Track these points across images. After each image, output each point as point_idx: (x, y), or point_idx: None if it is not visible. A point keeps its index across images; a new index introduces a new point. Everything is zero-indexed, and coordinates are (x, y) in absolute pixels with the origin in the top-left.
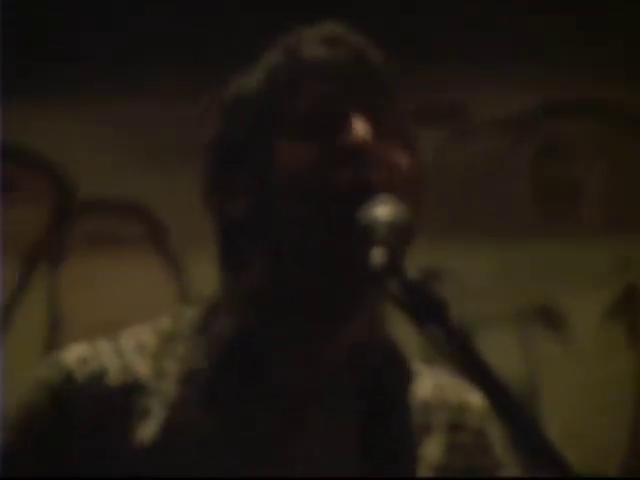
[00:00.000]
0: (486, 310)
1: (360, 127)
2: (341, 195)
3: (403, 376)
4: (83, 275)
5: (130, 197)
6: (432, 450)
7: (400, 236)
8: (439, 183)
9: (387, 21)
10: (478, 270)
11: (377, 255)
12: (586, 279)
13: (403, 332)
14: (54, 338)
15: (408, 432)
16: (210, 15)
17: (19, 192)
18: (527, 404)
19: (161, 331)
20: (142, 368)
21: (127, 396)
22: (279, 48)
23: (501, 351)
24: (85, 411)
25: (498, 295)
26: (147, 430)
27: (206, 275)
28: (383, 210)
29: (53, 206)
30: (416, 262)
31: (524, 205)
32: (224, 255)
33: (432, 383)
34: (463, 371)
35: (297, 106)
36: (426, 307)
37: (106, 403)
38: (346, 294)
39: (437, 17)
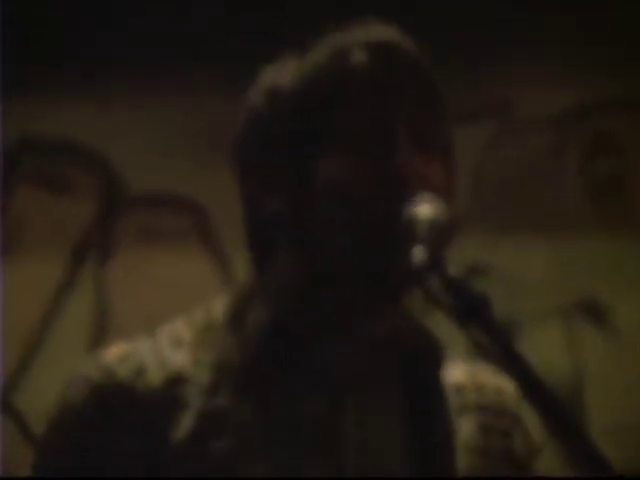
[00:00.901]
0: (535, 306)
1: (408, 150)
2: (381, 204)
3: (436, 360)
4: (131, 270)
5: (178, 191)
6: (468, 431)
7: (440, 234)
8: (489, 180)
9: (422, 20)
10: (527, 267)
11: (418, 253)
12: (633, 275)
13: (448, 332)
14: (101, 333)
15: (444, 412)
16: (241, 10)
17: (68, 187)
18: (573, 399)
19: (195, 322)
20: (179, 361)
21: (167, 390)
22: (326, 47)
23: (548, 347)
24: (126, 408)
25: (547, 291)
26: (185, 420)
27: None
28: (424, 208)
29: (101, 201)
30: (466, 259)
31: (573, 201)
32: (255, 246)
33: (466, 368)
34: (504, 369)
35: (345, 117)
36: (467, 304)
37: (147, 399)
38: (384, 293)
39: (483, 17)
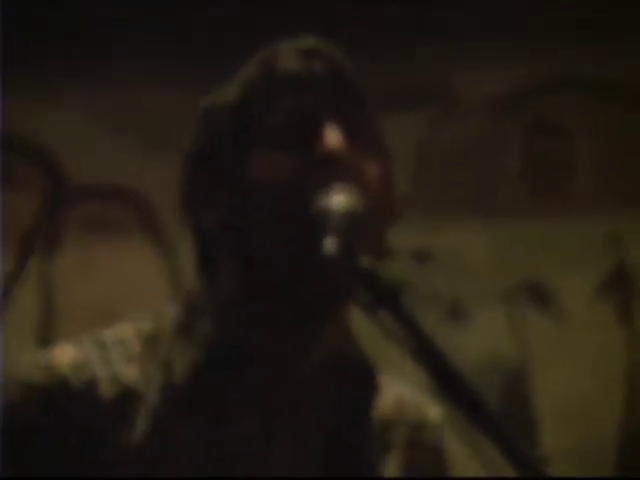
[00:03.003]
0: (477, 288)
1: (333, 136)
2: (307, 193)
3: (369, 393)
4: (77, 262)
5: (123, 183)
6: (391, 467)
7: (354, 224)
8: (428, 163)
9: (373, 3)
10: (469, 249)
11: (329, 244)
12: (576, 256)
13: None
14: (49, 324)
15: (368, 449)
16: (212, 7)
17: (12, 180)
18: (519, 381)
19: (143, 333)
20: (130, 376)
21: (118, 406)
22: (255, 61)
23: (493, 330)
24: (78, 419)
25: (489, 273)
26: (134, 437)
27: None
28: (337, 198)
29: (46, 193)
30: (406, 242)
31: (514, 183)
32: (199, 259)
33: (393, 399)
34: (415, 357)
35: (271, 117)
36: (379, 294)
37: (99, 413)
38: (315, 295)
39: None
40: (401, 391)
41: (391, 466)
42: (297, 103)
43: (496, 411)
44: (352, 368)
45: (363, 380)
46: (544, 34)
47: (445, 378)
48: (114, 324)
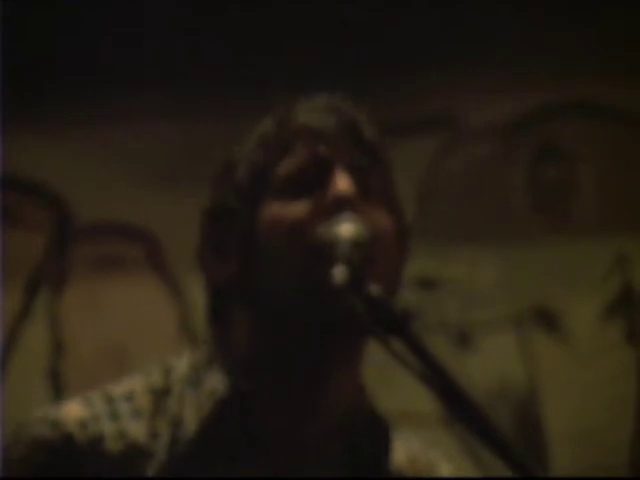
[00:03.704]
0: (485, 314)
1: (343, 181)
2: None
3: (384, 446)
4: (85, 299)
5: (129, 220)
6: None
7: (362, 253)
8: (437, 192)
9: (375, 34)
10: (476, 276)
11: (338, 272)
12: (583, 280)
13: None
14: (57, 362)
15: None
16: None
17: (18, 219)
18: (529, 406)
19: (153, 387)
20: (137, 432)
21: (125, 462)
22: (271, 117)
23: (502, 356)
24: (83, 474)
25: (497, 299)
26: None
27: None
28: (345, 228)
29: (53, 231)
30: (414, 270)
31: (521, 209)
32: (212, 313)
33: (406, 453)
34: (426, 382)
35: (284, 168)
36: (388, 321)
37: (105, 469)
38: (327, 331)
39: (426, 27)
40: (413, 446)
41: None
42: (310, 152)
43: (507, 434)
44: (365, 424)
45: (377, 436)
46: (545, 61)
47: (456, 403)
48: (123, 360)
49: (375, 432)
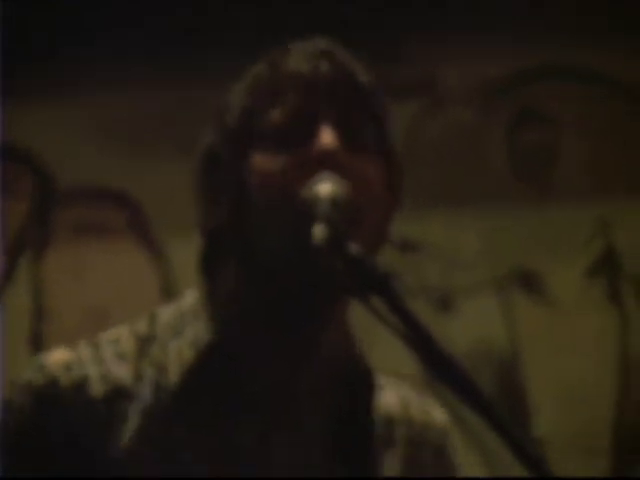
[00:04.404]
0: (467, 278)
1: (327, 137)
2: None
3: (368, 389)
4: (67, 264)
5: (113, 186)
6: (392, 464)
7: (342, 212)
8: (415, 155)
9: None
10: (457, 239)
11: (318, 231)
12: (565, 244)
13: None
14: (40, 326)
15: (372, 445)
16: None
17: (1, 184)
18: (511, 369)
19: (139, 333)
20: (122, 374)
21: (108, 404)
22: (264, 61)
23: (484, 319)
24: (67, 417)
25: (478, 263)
26: (124, 436)
27: (188, 263)
28: (325, 187)
29: (35, 197)
30: (396, 233)
31: (502, 173)
32: (204, 260)
33: (398, 398)
34: (407, 342)
35: (274, 118)
36: (369, 281)
37: (88, 411)
38: (310, 286)
39: None
40: (407, 392)
41: (394, 462)
42: (299, 102)
43: (489, 394)
44: (351, 368)
45: (361, 380)
46: (527, 24)
47: (437, 363)
48: (105, 325)
49: (364, 379)
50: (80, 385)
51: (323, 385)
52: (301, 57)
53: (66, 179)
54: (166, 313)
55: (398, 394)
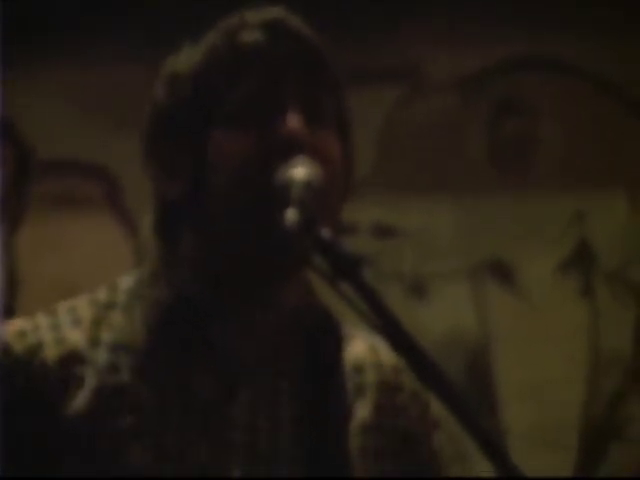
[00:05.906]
0: (440, 266)
1: (294, 119)
2: (266, 171)
3: (335, 340)
4: (42, 236)
5: (88, 159)
6: (364, 410)
7: (315, 197)
8: (395, 140)
9: None
10: (433, 226)
11: (291, 215)
12: (539, 235)
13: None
14: (12, 297)
15: (341, 393)
16: None
17: None
18: (481, 357)
19: (98, 301)
20: (77, 338)
21: (63, 368)
22: (219, 30)
23: (456, 306)
24: (21, 383)
25: (452, 251)
26: (80, 399)
27: None
28: (298, 171)
29: (12, 168)
30: (370, 218)
31: (479, 162)
32: (160, 226)
33: (367, 345)
34: (375, 328)
35: (234, 93)
36: (340, 265)
37: (42, 375)
38: (275, 265)
39: None
40: (375, 341)
41: (366, 407)
42: (259, 79)
43: (457, 384)
44: (315, 319)
45: (328, 329)
46: (510, 14)
47: (406, 350)
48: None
49: (325, 329)
50: (34, 350)
51: (287, 338)
52: (257, 28)
53: (45, 151)
54: (126, 281)
55: (366, 341)
